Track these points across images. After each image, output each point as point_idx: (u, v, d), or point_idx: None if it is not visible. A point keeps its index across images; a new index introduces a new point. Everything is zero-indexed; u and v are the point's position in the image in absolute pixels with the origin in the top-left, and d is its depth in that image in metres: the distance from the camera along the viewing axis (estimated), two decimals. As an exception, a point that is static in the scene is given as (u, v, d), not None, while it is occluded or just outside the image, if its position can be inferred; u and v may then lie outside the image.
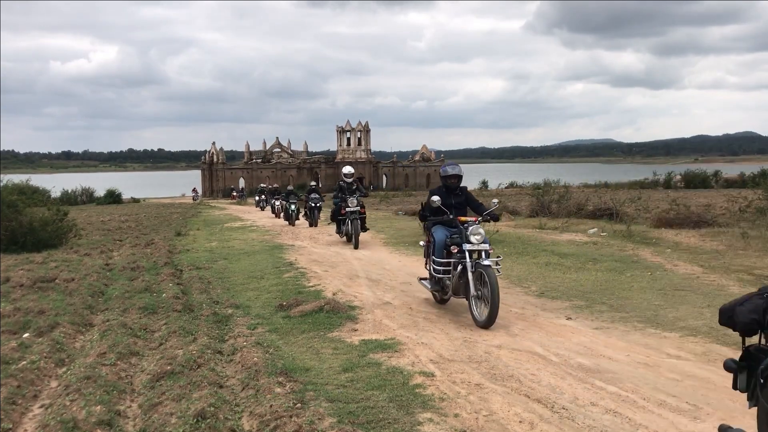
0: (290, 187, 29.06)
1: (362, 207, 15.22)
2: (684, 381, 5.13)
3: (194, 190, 70.00)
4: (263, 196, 39.07)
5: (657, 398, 4.74)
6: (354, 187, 15.72)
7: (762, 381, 2.69)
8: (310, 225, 21.47)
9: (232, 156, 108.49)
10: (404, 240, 15.40)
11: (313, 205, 21.27)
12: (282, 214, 25.69)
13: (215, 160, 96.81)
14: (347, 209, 15.03)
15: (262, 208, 37.12)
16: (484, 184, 70.94)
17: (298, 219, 23.24)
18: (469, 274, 7.10)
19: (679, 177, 50.17)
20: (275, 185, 33.29)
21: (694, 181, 49.20)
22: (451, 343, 6.32)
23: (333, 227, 17.30)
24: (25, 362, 5.78)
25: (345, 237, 15.78)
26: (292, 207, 23.18)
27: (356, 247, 14.43)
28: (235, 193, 66.74)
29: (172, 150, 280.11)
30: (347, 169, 16.28)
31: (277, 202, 27.92)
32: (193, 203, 54.19)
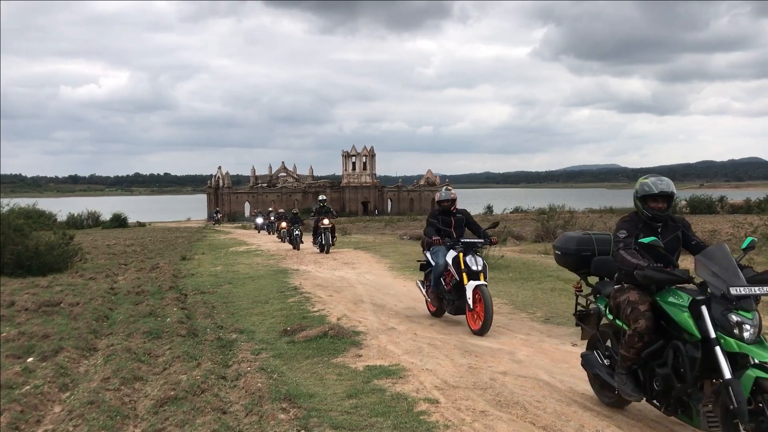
0: (295, 211, 28.96)
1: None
2: (691, 409, 5.08)
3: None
4: (270, 221, 38.96)
5: (665, 426, 4.70)
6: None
7: None
8: (321, 251, 20.16)
9: (238, 180, 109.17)
10: (409, 265, 15.36)
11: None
12: (287, 239, 25.45)
13: (221, 184, 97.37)
14: None
15: (269, 233, 37.13)
16: (489, 208, 70.94)
17: (302, 242, 23.18)
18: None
19: (684, 202, 50.01)
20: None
21: (700, 207, 49.07)
22: (456, 370, 6.29)
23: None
24: (28, 387, 5.77)
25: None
26: (296, 232, 23.20)
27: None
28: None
29: (178, 174, 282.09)
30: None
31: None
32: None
